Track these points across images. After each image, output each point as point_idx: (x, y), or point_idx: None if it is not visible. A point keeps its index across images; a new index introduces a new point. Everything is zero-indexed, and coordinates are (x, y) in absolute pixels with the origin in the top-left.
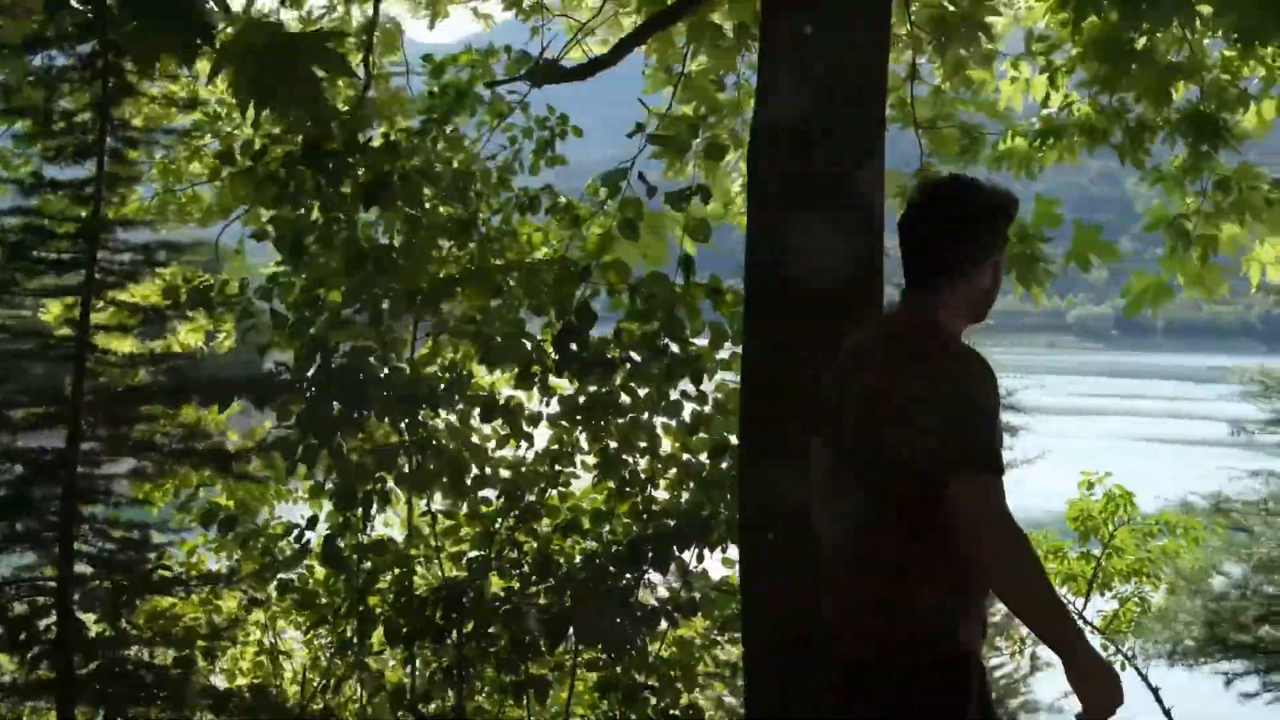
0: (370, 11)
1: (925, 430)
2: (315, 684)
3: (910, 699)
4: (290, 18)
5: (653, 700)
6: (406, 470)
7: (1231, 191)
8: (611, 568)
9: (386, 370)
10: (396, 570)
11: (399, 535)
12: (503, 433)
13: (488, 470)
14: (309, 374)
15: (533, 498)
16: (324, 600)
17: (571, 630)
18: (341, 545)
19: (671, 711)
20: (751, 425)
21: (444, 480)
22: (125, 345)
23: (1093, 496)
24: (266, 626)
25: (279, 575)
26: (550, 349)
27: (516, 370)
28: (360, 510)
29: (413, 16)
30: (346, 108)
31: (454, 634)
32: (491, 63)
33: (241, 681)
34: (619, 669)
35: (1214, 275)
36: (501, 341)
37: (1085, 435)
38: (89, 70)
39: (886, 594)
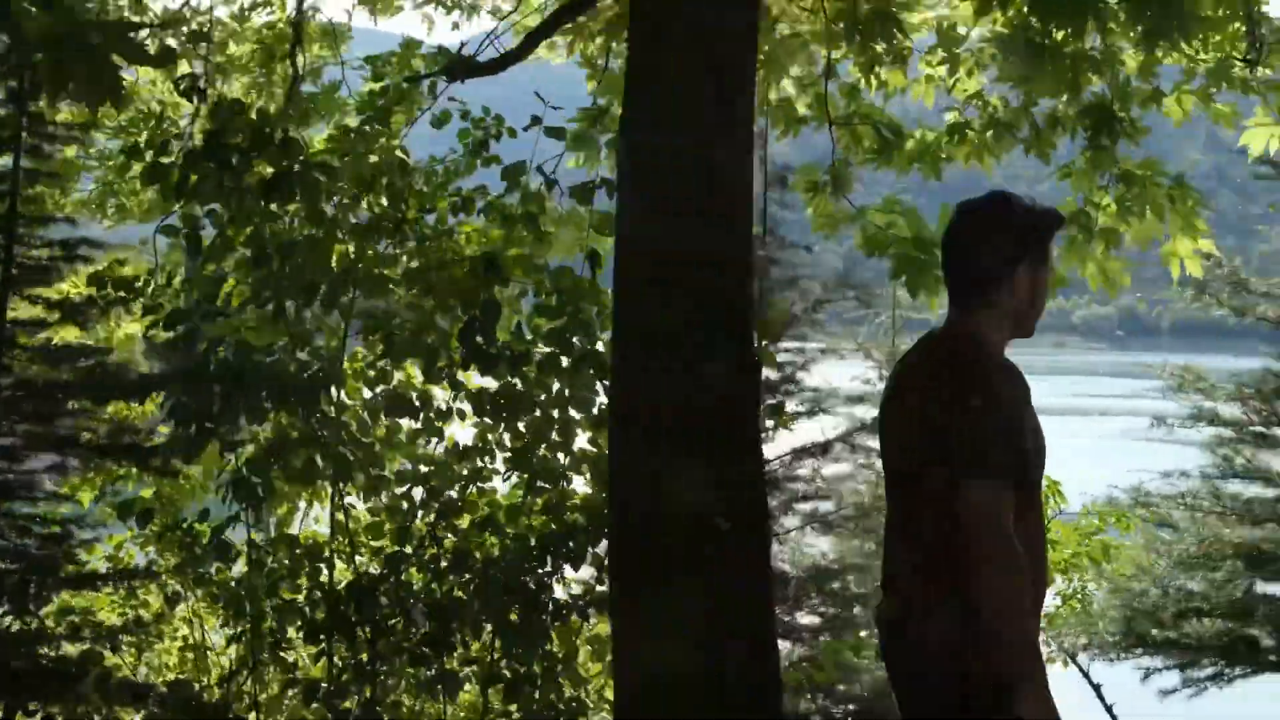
0: (302, 9)
1: (943, 433)
2: (241, 679)
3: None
4: (224, 14)
5: (535, 694)
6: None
7: (1135, 185)
8: (525, 563)
9: (272, 361)
10: (310, 565)
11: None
12: (415, 427)
13: (402, 465)
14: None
15: (455, 493)
16: (241, 595)
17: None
18: (244, 538)
19: (559, 705)
20: (621, 427)
21: (329, 474)
22: (70, 334)
23: None
24: (192, 622)
25: (198, 570)
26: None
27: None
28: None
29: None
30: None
31: (366, 629)
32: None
33: (171, 677)
34: (501, 661)
35: (1116, 268)
36: (404, 336)
37: (1088, 434)
38: (4, 65)
39: (909, 589)
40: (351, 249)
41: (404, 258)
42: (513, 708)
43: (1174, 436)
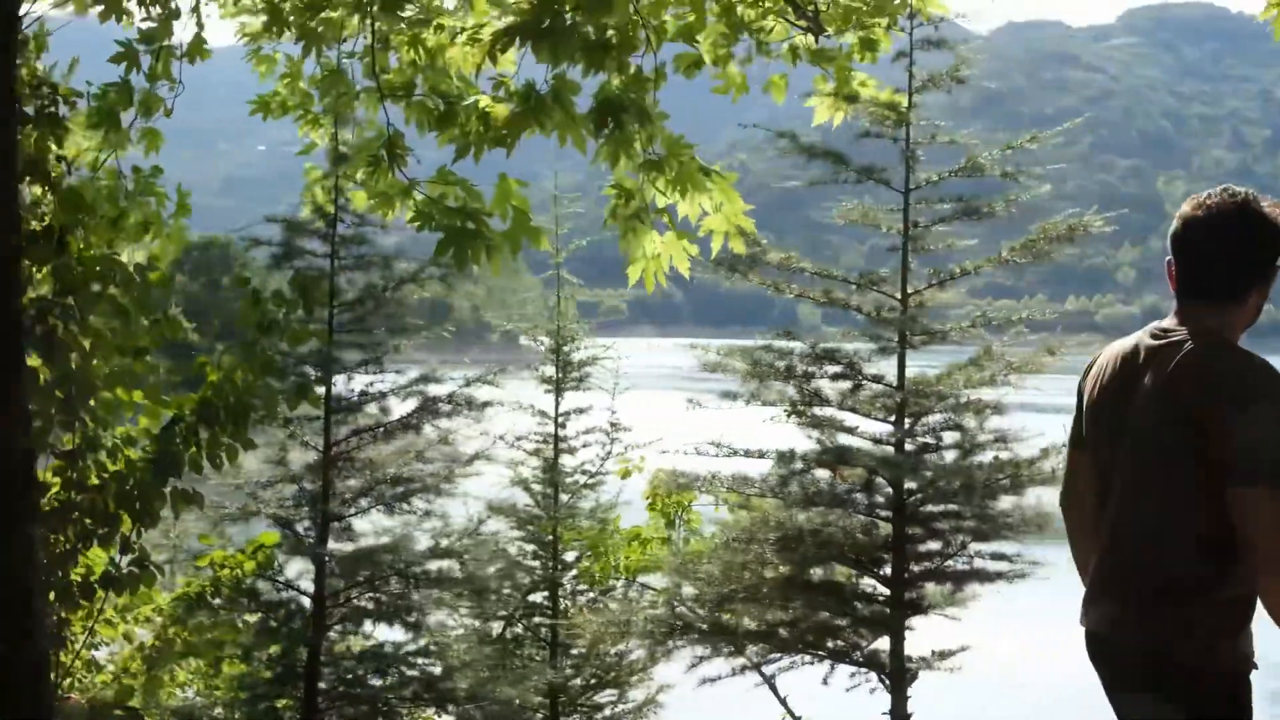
0: None
1: (1227, 438)
2: None
3: (1186, 703)
4: None
5: None
6: None
7: (665, 170)
8: None
9: None
10: None
11: None
12: None
13: None
14: None
15: None
16: None
17: None
18: None
19: None
20: None
21: None
22: None
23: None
24: None
25: None
26: None
27: None
28: None
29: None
30: None
31: None
32: None
33: None
34: None
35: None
36: None
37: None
38: None
39: (1163, 593)
40: None
41: None
42: None
43: (716, 416)
